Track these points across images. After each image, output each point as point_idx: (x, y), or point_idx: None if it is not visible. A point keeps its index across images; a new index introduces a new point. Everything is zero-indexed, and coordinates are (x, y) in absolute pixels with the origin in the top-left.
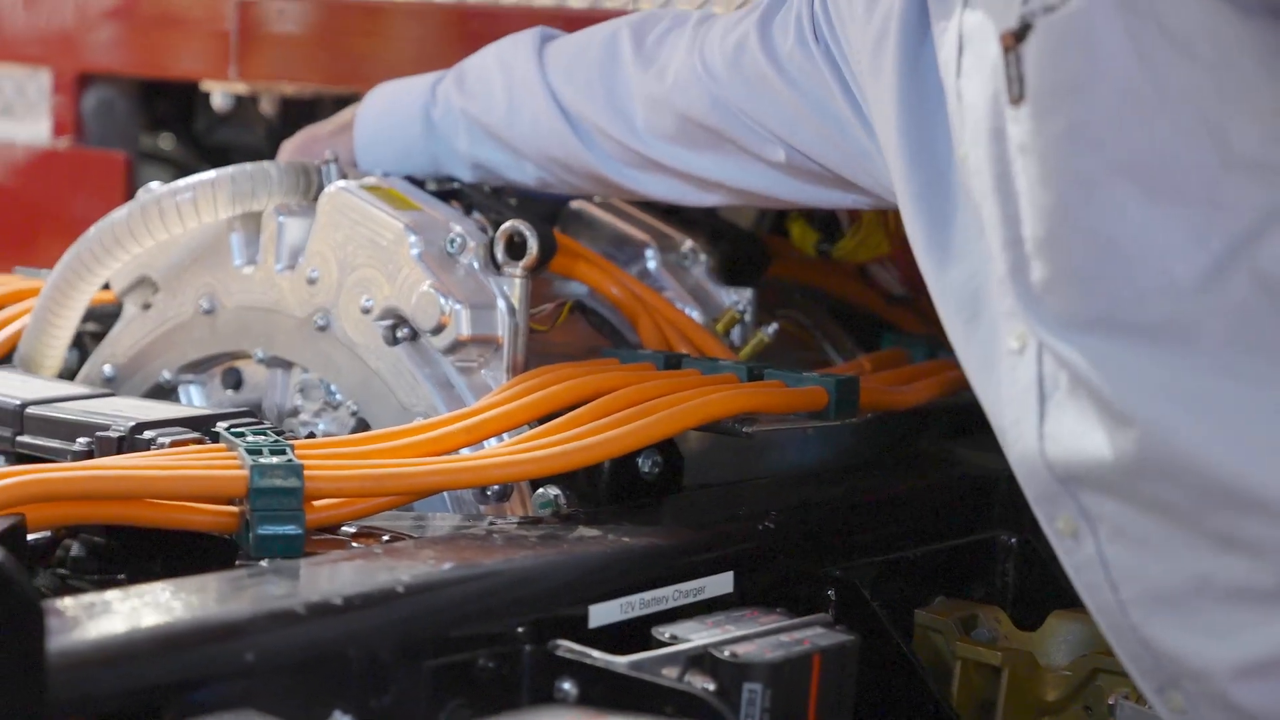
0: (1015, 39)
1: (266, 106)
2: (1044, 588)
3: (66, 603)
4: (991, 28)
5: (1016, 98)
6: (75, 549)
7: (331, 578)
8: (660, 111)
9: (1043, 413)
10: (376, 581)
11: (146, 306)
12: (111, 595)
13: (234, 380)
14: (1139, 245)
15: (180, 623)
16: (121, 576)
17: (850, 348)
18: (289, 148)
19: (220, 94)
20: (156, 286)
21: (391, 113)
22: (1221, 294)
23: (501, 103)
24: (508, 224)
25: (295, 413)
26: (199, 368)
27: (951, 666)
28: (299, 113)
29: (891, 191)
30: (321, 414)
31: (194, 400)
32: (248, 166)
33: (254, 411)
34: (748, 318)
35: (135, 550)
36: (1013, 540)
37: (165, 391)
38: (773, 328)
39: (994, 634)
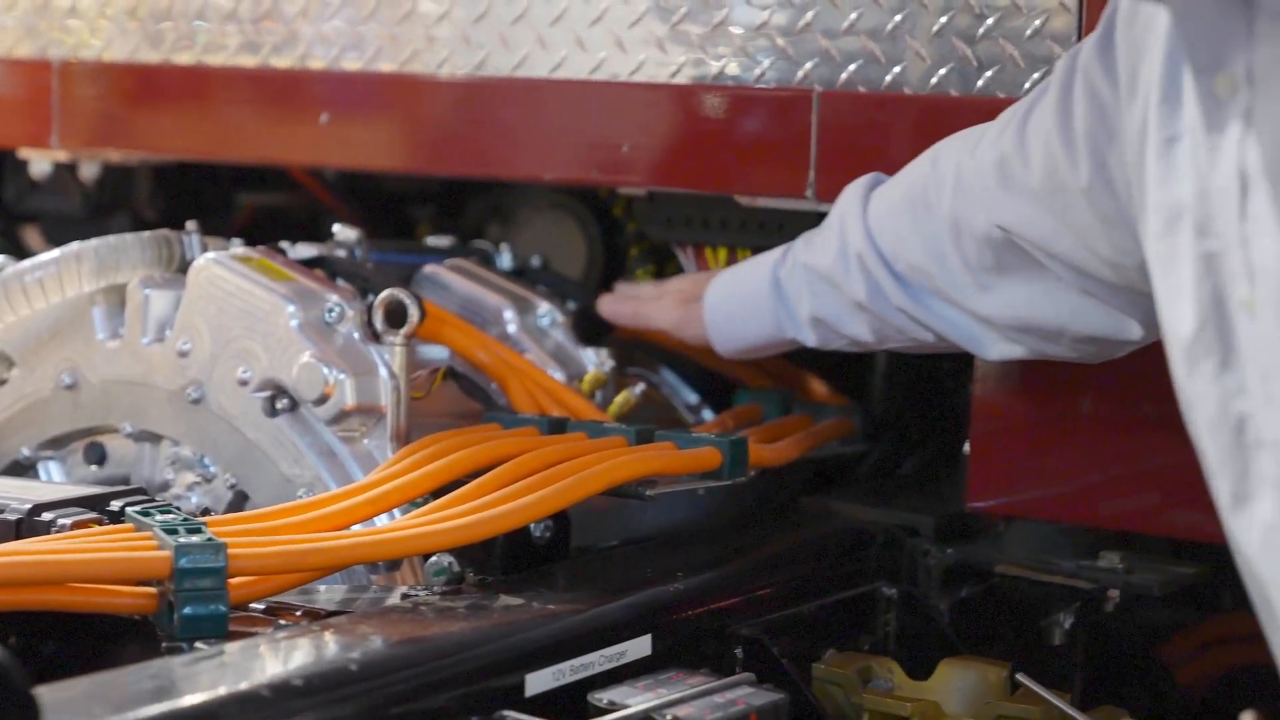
0: None
1: (86, 174)
2: (925, 637)
3: (40, 691)
4: None
5: None
6: None
7: (285, 659)
8: (962, 240)
9: None
10: (329, 661)
11: (1, 383)
12: (79, 685)
13: (98, 455)
14: None
15: (165, 711)
16: None
17: (698, 405)
18: (612, 308)
19: (38, 161)
20: (12, 362)
21: (744, 280)
22: None
23: (834, 250)
24: (386, 292)
25: (166, 487)
26: (60, 444)
27: (853, 718)
28: (117, 180)
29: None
30: (195, 487)
31: (54, 477)
32: (110, 239)
33: (145, 489)
34: (611, 379)
35: (18, 632)
36: (894, 592)
37: (23, 468)
38: (640, 388)
39: (890, 684)
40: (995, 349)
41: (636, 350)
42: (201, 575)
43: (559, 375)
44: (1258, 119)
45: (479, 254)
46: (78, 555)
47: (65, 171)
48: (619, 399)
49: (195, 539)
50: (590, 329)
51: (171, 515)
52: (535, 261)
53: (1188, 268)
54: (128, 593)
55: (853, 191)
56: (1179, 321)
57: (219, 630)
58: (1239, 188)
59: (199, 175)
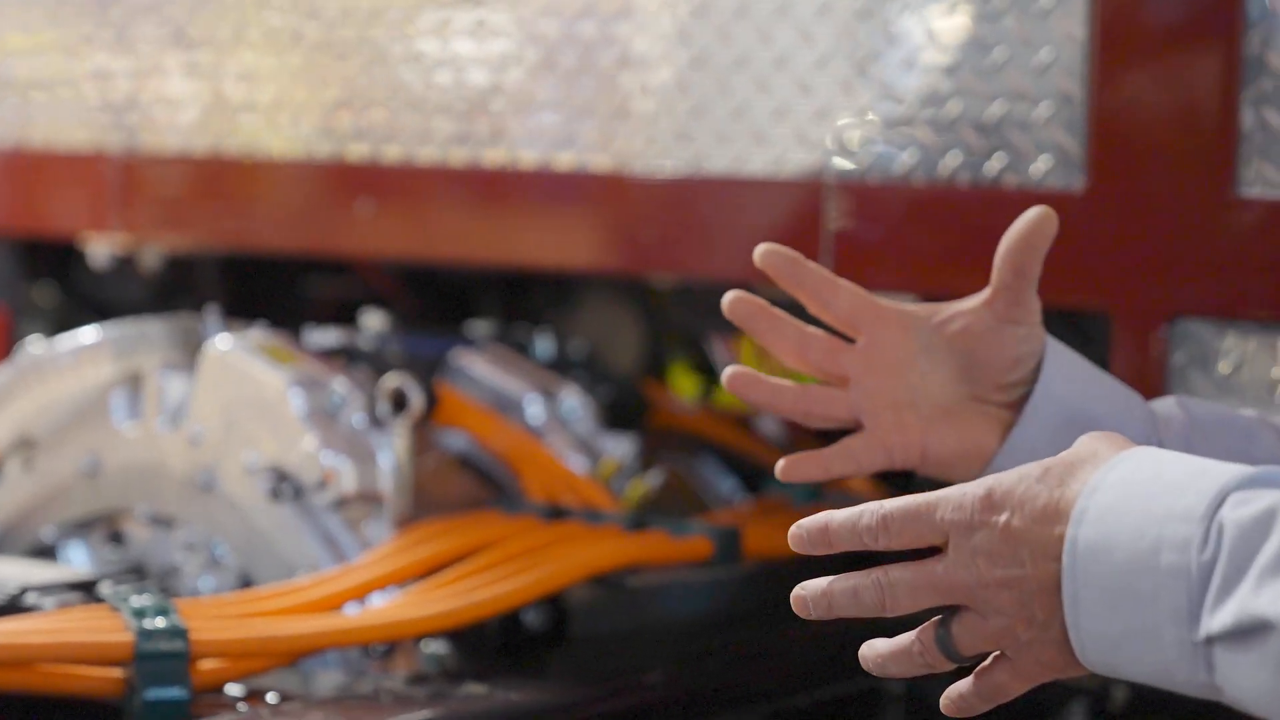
0: None
1: (148, 262)
2: None
3: None
4: None
5: None
6: None
7: None
8: None
9: None
10: None
11: (29, 465)
12: None
13: (116, 539)
14: None
15: None
16: None
17: (732, 495)
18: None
19: (100, 250)
20: (38, 445)
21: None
22: None
23: None
24: (389, 377)
25: (179, 571)
26: (82, 526)
27: None
28: (180, 269)
29: None
30: (206, 571)
31: (76, 559)
32: (129, 325)
33: (141, 571)
34: (629, 466)
35: (22, 714)
36: (900, 688)
37: (48, 550)
38: (654, 475)
39: None
40: None
41: (676, 440)
42: (162, 659)
43: (581, 463)
44: None
45: (514, 341)
46: (42, 637)
47: (129, 260)
48: (633, 487)
49: (159, 623)
50: (625, 416)
51: (145, 598)
52: (578, 349)
53: None
54: (93, 676)
55: None
56: None
57: (180, 714)
58: None
59: (261, 265)
